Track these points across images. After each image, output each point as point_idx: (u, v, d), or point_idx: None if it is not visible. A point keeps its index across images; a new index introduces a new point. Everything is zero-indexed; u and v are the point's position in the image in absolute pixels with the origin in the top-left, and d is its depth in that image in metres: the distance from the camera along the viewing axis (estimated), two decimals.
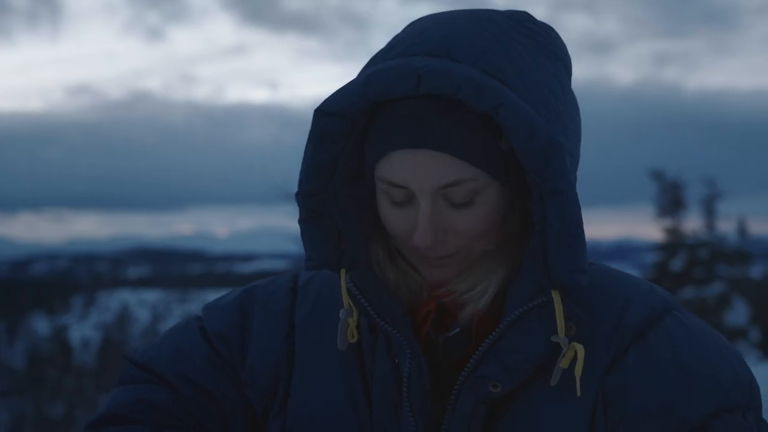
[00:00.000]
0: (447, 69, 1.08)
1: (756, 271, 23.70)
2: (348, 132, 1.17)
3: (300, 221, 1.22)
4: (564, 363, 1.13)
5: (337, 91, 1.15)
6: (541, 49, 1.19)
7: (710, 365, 1.17)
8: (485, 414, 1.17)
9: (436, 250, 1.17)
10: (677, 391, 1.14)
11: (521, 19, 1.20)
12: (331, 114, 1.15)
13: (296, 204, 1.21)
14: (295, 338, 1.30)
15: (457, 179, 1.12)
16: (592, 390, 1.16)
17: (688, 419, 1.13)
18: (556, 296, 1.13)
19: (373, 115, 1.17)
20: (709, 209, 20.36)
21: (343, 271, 1.21)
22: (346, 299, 1.22)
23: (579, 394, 1.14)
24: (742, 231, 21.69)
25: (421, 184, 1.13)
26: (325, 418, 1.24)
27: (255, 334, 1.31)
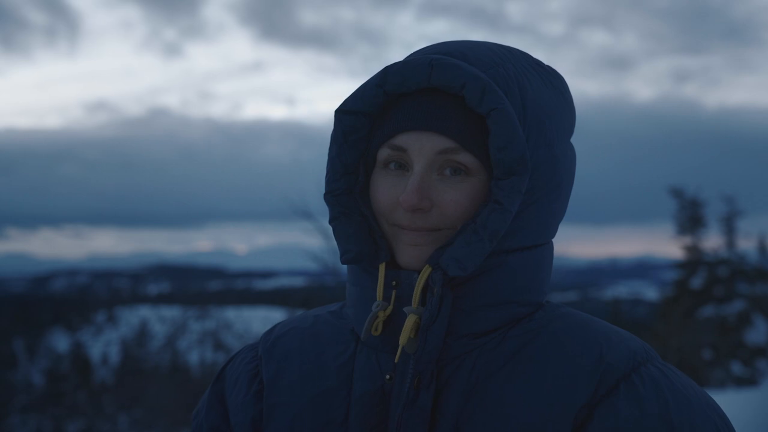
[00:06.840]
0: (458, 64, 1.17)
1: None
2: (369, 131, 1.24)
3: (330, 220, 1.25)
4: (403, 339, 1.16)
5: (356, 91, 1.22)
6: (548, 84, 1.25)
7: (697, 423, 1.15)
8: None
9: (417, 221, 1.19)
10: None
11: (535, 59, 1.28)
12: (353, 112, 1.22)
13: (326, 204, 1.25)
14: (263, 394, 1.31)
15: (455, 146, 1.17)
16: (569, 416, 1.14)
17: None
18: (425, 270, 1.17)
19: (386, 111, 1.22)
20: (729, 227, 20.25)
21: (382, 265, 1.22)
22: (380, 292, 1.22)
23: (397, 360, 1.17)
24: (762, 249, 21.51)
25: (421, 146, 1.18)
26: None
27: (231, 407, 1.34)
